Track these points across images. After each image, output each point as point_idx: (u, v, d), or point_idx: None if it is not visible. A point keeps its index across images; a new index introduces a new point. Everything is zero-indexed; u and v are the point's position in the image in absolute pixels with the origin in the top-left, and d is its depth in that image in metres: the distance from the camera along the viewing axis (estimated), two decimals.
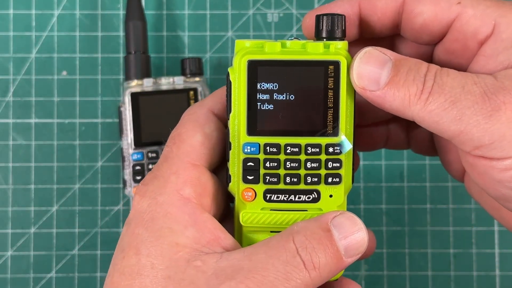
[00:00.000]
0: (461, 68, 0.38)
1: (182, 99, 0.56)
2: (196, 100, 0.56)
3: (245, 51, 0.36)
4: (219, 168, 0.40)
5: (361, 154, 0.59)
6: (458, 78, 0.33)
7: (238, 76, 0.36)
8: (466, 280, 0.59)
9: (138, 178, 0.56)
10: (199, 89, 0.56)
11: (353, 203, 0.59)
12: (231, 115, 0.36)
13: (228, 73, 0.36)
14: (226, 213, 0.41)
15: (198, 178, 0.37)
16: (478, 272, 0.59)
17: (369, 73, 0.35)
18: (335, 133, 0.36)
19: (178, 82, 0.56)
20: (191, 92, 0.56)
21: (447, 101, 0.33)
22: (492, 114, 0.32)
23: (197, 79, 0.57)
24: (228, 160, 0.37)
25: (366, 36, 0.40)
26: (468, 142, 0.33)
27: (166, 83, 0.56)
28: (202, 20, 0.60)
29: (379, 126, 0.45)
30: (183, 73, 0.57)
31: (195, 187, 0.36)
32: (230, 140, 0.37)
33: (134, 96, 0.56)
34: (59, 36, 0.60)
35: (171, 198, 0.36)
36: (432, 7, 0.37)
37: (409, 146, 0.46)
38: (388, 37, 0.41)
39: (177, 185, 0.36)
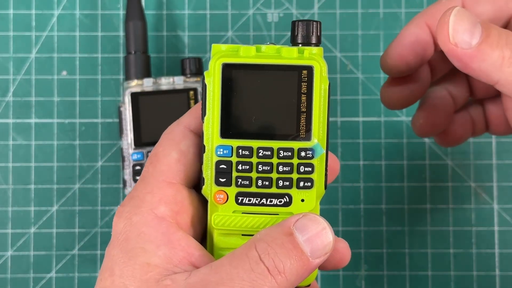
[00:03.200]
0: None
1: (182, 99, 0.56)
2: (196, 100, 0.56)
3: (220, 54, 0.36)
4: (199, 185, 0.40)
5: (361, 154, 0.59)
6: None
7: (213, 80, 0.36)
8: (466, 280, 0.59)
9: (138, 178, 0.56)
10: (199, 89, 0.56)
11: (353, 203, 0.59)
12: (205, 118, 0.37)
13: (204, 76, 0.37)
14: None
15: (173, 196, 0.37)
16: (478, 272, 0.59)
17: (463, 31, 0.35)
18: (308, 137, 0.37)
19: (178, 82, 0.56)
20: (191, 92, 0.56)
21: None
22: None
23: (197, 79, 0.57)
24: (201, 164, 0.37)
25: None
26: None
27: (166, 83, 0.56)
28: (202, 20, 0.60)
29: (461, 113, 0.45)
30: (183, 73, 0.57)
31: (170, 205, 0.36)
32: (204, 143, 0.37)
33: (134, 96, 0.56)
34: (59, 36, 0.60)
35: (145, 218, 0.36)
36: (489, 7, 0.37)
37: (488, 128, 0.47)
38: None
39: (151, 204, 0.36)
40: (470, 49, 0.35)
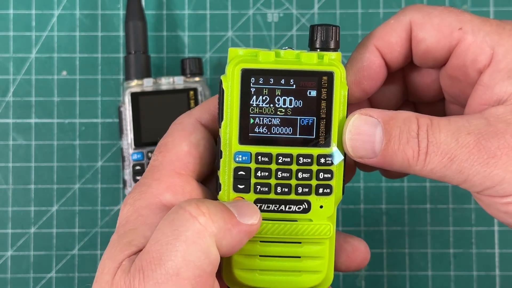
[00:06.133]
0: (463, 94, 0.39)
1: (182, 99, 0.56)
2: (196, 100, 0.56)
3: (239, 59, 0.36)
4: (209, 179, 0.40)
5: None
6: (451, 132, 0.34)
7: (231, 85, 0.36)
8: (466, 280, 0.59)
9: (138, 178, 0.56)
10: (199, 89, 0.56)
11: (353, 203, 0.59)
12: (222, 123, 0.36)
13: (221, 81, 0.36)
14: None
15: (181, 186, 0.36)
16: (478, 272, 0.59)
17: (363, 144, 0.35)
18: (327, 144, 0.36)
19: (178, 82, 0.56)
20: (191, 92, 0.56)
21: (445, 159, 0.34)
22: (489, 161, 0.34)
23: (197, 79, 0.57)
24: (218, 169, 0.37)
25: (392, 70, 0.40)
26: (473, 188, 0.35)
27: (166, 83, 0.56)
28: (202, 20, 0.60)
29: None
30: (183, 73, 0.57)
31: (177, 195, 0.36)
32: (221, 148, 0.36)
33: (134, 96, 0.56)
34: (59, 36, 0.60)
35: (149, 203, 0.36)
36: (434, 33, 0.37)
37: None
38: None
39: (158, 190, 0.36)
40: (376, 158, 0.35)
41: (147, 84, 0.56)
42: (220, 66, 0.60)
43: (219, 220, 0.33)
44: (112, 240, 0.35)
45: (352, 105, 0.39)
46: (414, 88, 0.42)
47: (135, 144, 0.56)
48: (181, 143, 0.37)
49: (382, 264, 0.59)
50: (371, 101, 0.42)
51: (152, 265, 0.32)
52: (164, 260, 0.31)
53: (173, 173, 0.37)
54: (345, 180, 0.38)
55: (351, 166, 0.42)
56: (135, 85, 0.56)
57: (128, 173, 0.56)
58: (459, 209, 0.59)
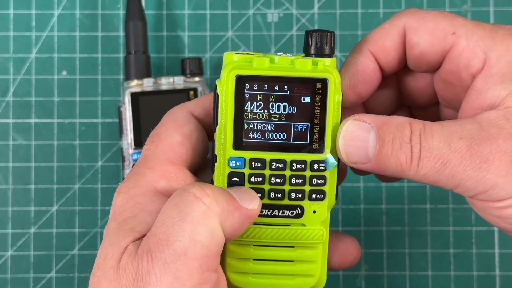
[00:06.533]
0: (457, 98, 0.39)
1: (182, 99, 0.56)
2: None
3: (233, 65, 0.36)
4: (201, 171, 0.40)
5: None
6: (443, 137, 0.34)
7: (226, 90, 0.36)
8: (466, 280, 0.59)
9: None
10: (199, 89, 0.56)
11: (353, 203, 0.59)
12: (217, 128, 0.36)
13: (216, 85, 0.36)
14: None
15: (175, 174, 0.37)
16: (478, 272, 0.59)
17: (356, 150, 0.36)
18: (321, 150, 0.37)
19: (178, 82, 0.56)
20: (191, 92, 0.56)
21: (438, 164, 0.34)
22: (481, 166, 0.34)
23: (197, 79, 0.57)
24: (213, 173, 0.37)
25: (386, 75, 0.40)
26: (466, 192, 0.35)
27: (166, 83, 0.56)
28: (202, 20, 0.60)
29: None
30: (183, 73, 0.57)
31: (172, 182, 0.37)
32: (216, 153, 0.37)
33: (134, 96, 0.56)
34: (59, 36, 0.60)
35: (144, 190, 0.36)
36: (428, 37, 0.37)
37: None
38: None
39: (152, 178, 0.36)
40: (369, 163, 0.35)
41: (147, 84, 0.56)
42: (220, 66, 0.60)
43: (223, 202, 0.34)
44: (111, 227, 0.36)
45: (346, 110, 0.39)
46: (409, 92, 0.42)
47: (135, 144, 0.56)
48: (173, 134, 0.38)
49: (382, 264, 0.59)
50: (366, 105, 0.43)
51: (159, 246, 0.32)
52: (171, 241, 0.32)
53: (166, 162, 0.37)
54: (338, 183, 0.38)
55: (343, 168, 0.42)
56: (135, 85, 0.56)
57: (128, 173, 0.56)
58: (459, 209, 0.59)
